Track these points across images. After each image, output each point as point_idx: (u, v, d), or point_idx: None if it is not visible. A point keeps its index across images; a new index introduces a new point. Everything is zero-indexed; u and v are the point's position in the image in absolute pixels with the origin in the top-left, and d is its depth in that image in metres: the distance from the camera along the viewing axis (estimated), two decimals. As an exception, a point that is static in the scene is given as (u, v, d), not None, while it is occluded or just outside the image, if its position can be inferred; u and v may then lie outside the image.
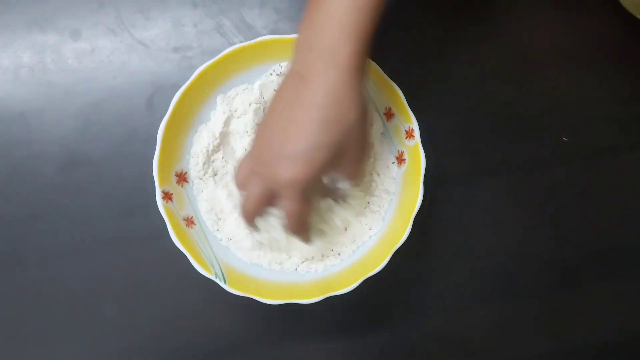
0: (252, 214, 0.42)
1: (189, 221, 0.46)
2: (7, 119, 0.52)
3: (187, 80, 0.46)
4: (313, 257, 0.48)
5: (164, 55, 0.53)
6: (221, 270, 0.45)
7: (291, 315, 0.49)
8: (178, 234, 0.44)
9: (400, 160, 0.49)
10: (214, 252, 0.46)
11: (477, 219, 0.52)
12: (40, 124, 0.52)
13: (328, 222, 0.48)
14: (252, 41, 0.47)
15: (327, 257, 0.48)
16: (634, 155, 0.53)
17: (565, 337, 0.51)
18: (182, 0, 0.54)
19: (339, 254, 0.48)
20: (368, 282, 0.44)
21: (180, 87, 0.46)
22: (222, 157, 0.49)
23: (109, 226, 0.51)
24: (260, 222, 0.44)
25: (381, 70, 0.47)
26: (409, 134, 0.47)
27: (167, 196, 0.45)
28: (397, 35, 0.53)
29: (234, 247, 0.47)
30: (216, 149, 0.48)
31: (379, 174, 0.49)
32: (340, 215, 0.48)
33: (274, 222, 0.44)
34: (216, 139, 0.48)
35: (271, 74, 0.49)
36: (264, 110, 0.49)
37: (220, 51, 0.47)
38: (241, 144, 0.49)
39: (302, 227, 0.42)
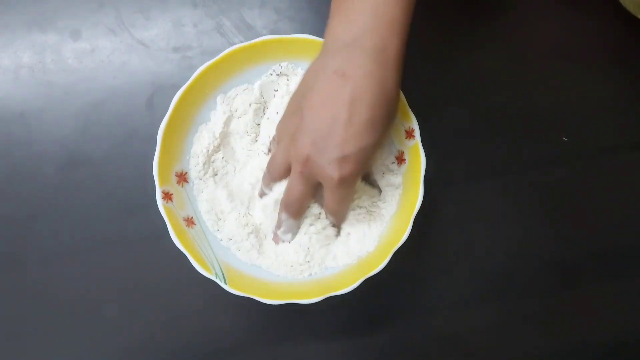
0: (298, 211, 0.44)
1: (189, 221, 0.46)
2: (7, 119, 0.52)
3: (187, 80, 0.46)
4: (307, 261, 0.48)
5: (164, 55, 0.53)
6: (221, 270, 0.45)
7: (291, 315, 0.49)
8: (178, 234, 0.44)
9: (400, 160, 0.49)
10: (214, 252, 0.46)
11: (477, 219, 0.52)
12: (40, 124, 0.52)
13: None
14: (252, 41, 0.47)
15: (324, 260, 0.48)
16: (634, 155, 0.53)
17: (565, 337, 0.51)
18: (182, 0, 0.54)
19: (333, 258, 0.48)
20: (368, 282, 0.44)
21: (180, 87, 0.46)
22: (222, 157, 0.49)
23: (109, 226, 0.51)
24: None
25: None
26: (409, 134, 0.47)
27: (167, 196, 0.45)
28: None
29: (234, 247, 0.47)
30: (216, 149, 0.48)
31: (383, 173, 0.49)
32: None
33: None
34: (216, 139, 0.48)
35: (271, 74, 0.49)
36: (264, 111, 0.49)
37: (220, 51, 0.47)
38: (241, 144, 0.49)
39: (342, 220, 0.45)
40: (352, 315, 0.51)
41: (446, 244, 0.52)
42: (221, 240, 0.47)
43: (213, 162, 0.48)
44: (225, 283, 0.44)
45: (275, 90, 0.49)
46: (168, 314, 0.50)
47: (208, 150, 0.48)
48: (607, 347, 0.51)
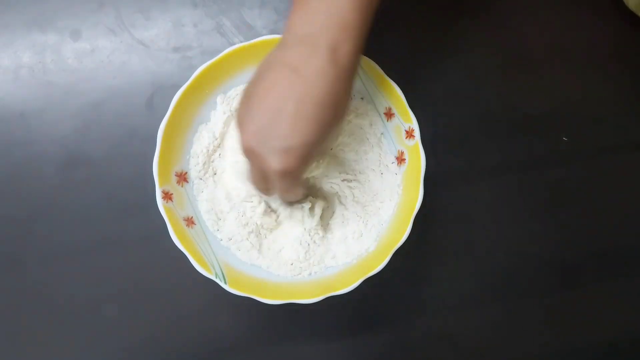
0: (264, 194, 0.45)
1: (189, 221, 0.46)
2: (7, 119, 0.52)
3: (187, 80, 0.46)
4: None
5: (164, 55, 0.53)
6: (221, 270, 0.45)
7: (291, 315, 0.49)
8: (178, 234, 0.44)
9: (400, 160, 0.49)
10: (214, 252, 0.46)
11: (477, 219, 0.52)
12: (40, 124, 0.52)
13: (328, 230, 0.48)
14: (252, 41, 0.47)
15: (324, 259, 0.48)
16: (635, 155, 0.53)
17: (565, 337, 0.51)
18: (182, 0, 0.54)
19: (333, 257, 0.48)
20: (368, 282, 0.44)
21: (180, 87, 0.46)
22: (222, 157, 0.49)
23: (109, 226, 0.51)
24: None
25: (381, 70, 0.47)
26: (409, 134, 0.47)
27: (167, 196, 0.45)
28: (398, 35, 0.53)
29: (234, 247, 0.47)
30: (216, 149, 0.48)
31: (382, 173, 0.49)
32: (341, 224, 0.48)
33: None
34: (216, 139, 0.48)
35: None
36: None
37: (220, 51, 0.47)
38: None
39: (294, 197, 0.44)
40: (352, 315, 0.51)
41: (446, 244, 0.52)
42: (221, 240, 0.47)
43: (213, 162, 0.48)
44: (225, 283, 0.44)
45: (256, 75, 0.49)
46: (168, 314, 0.50)
47: (208, 150, 0.48)
48: (607, 347, 0.51)
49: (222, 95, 0.48)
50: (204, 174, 0.48)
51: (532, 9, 0.54)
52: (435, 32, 0.54)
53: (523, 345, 0.51)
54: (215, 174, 0.49)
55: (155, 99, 0.52)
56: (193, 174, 0.48)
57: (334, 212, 0.49)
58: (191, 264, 0.44)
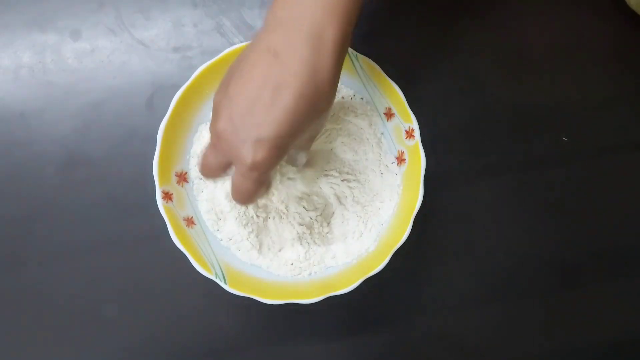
0: (209, 178, 0.42)
1: (189, 221, 0.46)
2: (7, 119, 0.52)
3: (187, 80, 0.46)
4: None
5: (164, 55, 0.53)
6: (221, 270, 0.45)
7: (291, 315, 0.49)
8: (178, 234, 0.44)
9: (400, 160, 0.49)
10: (214, 252, 0.46)
11: (477, 219, 0.52)
12: (40, 124, 0.52)
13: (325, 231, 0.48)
14: (252, 41, 0.47)
15: (323, 259, 0.48)
16: (635, 155, 0.53)
17: (565, 337, 0.51)
18: (182, 0, 0.54)
19: (333, 257, 0.48)
20: (368, 282, 0.44)
21: (180, 87, 0.46)
22: None
23: (109, 226, 0.51)
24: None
25: (381, 70, 0.47)
26: (409, 134, 0.47)
27: (167, 196, 0.45)
28: (398, 35, 0.53)
29: (234, 247, 0.47)
30: None
31: (382, 173, 0.49)
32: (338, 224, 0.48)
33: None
34: None
35: None
36: None
37: (220, 51, 0.47)
38: None
39: (246, 201, 0.40)
40: (352, 315, 0.51)
41: (446, 244, 0.52)
42: (221, 240, 0.47)
43: None
44: (225, 283, 0.44)
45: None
46: (168, 314, 0.50)
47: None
48: (607, 347, 0.51)
49: None
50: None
51: (532, 9, 0.54)
52: (436, 32, 0.54)
53: (523, 345, 0.51)
54: None
55: (155, 99, 0.52)
56: (193, 173, 0.48)
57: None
58: (191, 264, 0.44)
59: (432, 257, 0.52)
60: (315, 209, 0.48)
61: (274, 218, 0.48)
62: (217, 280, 0.44)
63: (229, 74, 0.38)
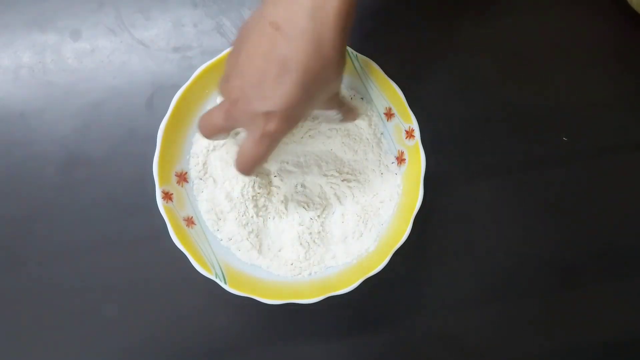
0: (208, 137, 0.42)
1: (189, 221, 0.46)
2: (7, 119, 0.52)
3: (187, 80, 0.46)
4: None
5: (164, 55, 0.53)
6: (221, 270, 0.45)
7: (291, 315, 0.49)
8: (178, 234, 0.44)
9: (400, 160, 0.49)
10: (214, 252, 0.46)
11: (477, 219, 0.52)
12: (40, 124, 0.52)
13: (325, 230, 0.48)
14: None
15: (324, 259, 0.48)
16: (635, 155, 0.53)
17: (565, 337, 0.51)
18: (182, 0, 0.54)
19: (333, 257, 0.48)
20: (368, 282, 0.44)
21: (180, 87, 0.46)
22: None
23: (109, 226, 0.51)
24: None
25: (381, 70, 0.47)
26: (409, 134, 0.47)
27: (167, 196, 0.45)
28: (398, 35, 0.53)
29: (234, 247, 0.47)
30: (216, 148, 0.48)
31: (382, 173, 0.49)
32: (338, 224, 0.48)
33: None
34: None
35: None
36: None
37: (220, 51, 0.47)
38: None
39: (249, 168, 0.41)
40: (352, 315, 0.51)
41: (446, 244, 0.52)
42: (221, 240, 0.47)
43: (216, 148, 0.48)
44: (225, 283, 0.44)
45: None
46: (168, 314, 0.50)
47: (208, 150, 0.48)
48: (607, 347, 0.51)
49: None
50: (204, 174, 0.48)
51: (533, 9, 0.54)
52: (436, 33, 0.54)
53: (523, 345, 0.51)
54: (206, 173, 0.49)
55: (155, 99, 0.52)
56: (193, 174, 0.48)
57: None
58: (191, 264, 0.44)
59: (432, 257, 0.52)
60: (315, 209, 0.48)
61: (273, 218, 0.48)
62: (217, 280, 0.44)
63: (237, 47, 0.39)
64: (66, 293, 0.50)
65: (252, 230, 0.47)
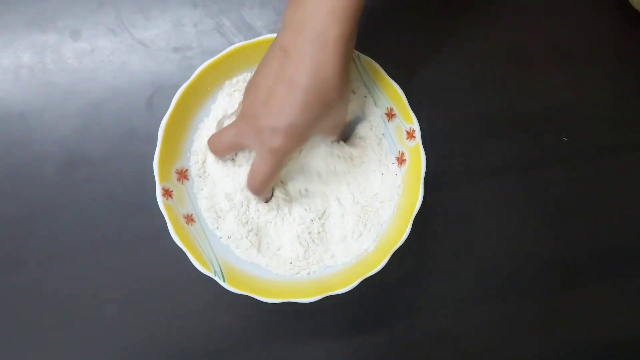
0: (218, 155, 0.47)
1: (189, 219, 0.46)
2: (7, 119, 0.52)
3: (187, 80, 0.46)
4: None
5: (164, 55, 0.53)
6: (220, 268, 0.45)
7: (291, 315, 0.49)
8: (177, 231, 0.44)
9: (401, 160, 0.49)
10: (214, 250, 0.46)
11: (477, 219, 0.52)
12: (40, 124, 0.52)
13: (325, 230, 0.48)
14: (252, 40, 0.47)
15: (322, 259, 0.48)
16: (635, 155, 0.53)
17: (565, 337, 0.51)
18: (182, 0, 0.54)
19: (332, 257, 0.48)
20: (367, 282, 0.44)
21: (180, 87, 0.46)
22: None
23: (109, 226, 0.51)
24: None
25: (383, 70, 0.47)
26: (410, 135, 0.47)
27: (167, 193, 0.45)
28: (399, 36, 0.53)
29: (234, 245, 0.47)
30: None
31: (382, 174, 0.49)
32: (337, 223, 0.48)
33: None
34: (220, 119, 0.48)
35: None
36: None
37: (220, 51, 0.47)
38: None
39: (261, 188, 0.44)
40: (352, 315, 0.51)
41: (446, 244, 0.52)
42: (220, 238, 0.47)
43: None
44: (224, 281, 0.44)
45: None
46: (168, 314, 0.50)
47: (208, 149, 0.48)
48: (607, 347, 0.51)
49: (226, 88, 0.48)
50: (204, 172, 0.48)
51: (533, 9, 0.54)
52: (437, 33, 0.54)
53: (523, 345, 0.51)
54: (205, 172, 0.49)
55: (155, 99, 0.52)
56: (193, 171, 0.48)
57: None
58: (191, 263, 0.44)
59: (432, 257, 0.52)
60: (317, 211, 0.48)
61: (274, 218, 0.48)
62: (216, 278, 0.44)
63: (258, 66, 0.43)
64: (66, 293, 0.50)
65: (252, 228, 0.47)
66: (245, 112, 0.43)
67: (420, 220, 0.45)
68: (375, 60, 0.47)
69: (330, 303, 0.44)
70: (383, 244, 0.47)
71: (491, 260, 0.52)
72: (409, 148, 0.48)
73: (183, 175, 0.47)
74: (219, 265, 0.45)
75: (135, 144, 0.51)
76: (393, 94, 0.47)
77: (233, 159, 0.48)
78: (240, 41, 0.49)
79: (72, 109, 0.52)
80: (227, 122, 0.48)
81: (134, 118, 0.52)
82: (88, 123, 0.52)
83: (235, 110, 0.48)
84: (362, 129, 0.49)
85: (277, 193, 0.47)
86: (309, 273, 0.47)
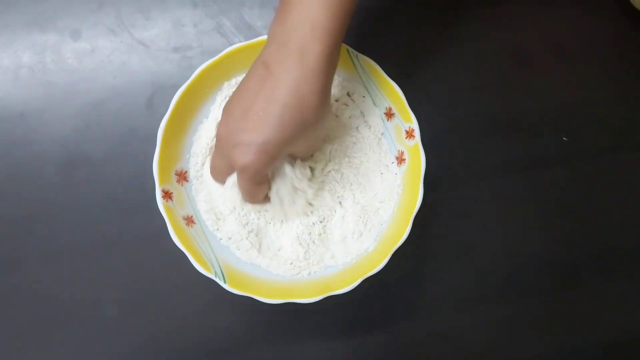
0: (218, 181, 0.46)
1: (189, 220, 0.46)
2: (7, 119, 0.52)
3: (187, 80, 0.46)
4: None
5: (164, 55, 0.53)
6: (221, 270, 0.45)
7: (291, 315, 0.49)
8: (178, 233, 0.44)
9: (400, 160, 0.49)
10: (214, 251, 0.46)
11: (477, 219, 0.52)
12: (40, 124, 0.52)
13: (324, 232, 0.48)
14: (252, 40, 0.47)
15: (323, 259, 0.48)
16: (635, 156, 0.53)
17: (565, 337, 0.51)
18: (182, 0, 0.54)
19: (332, 257, 0.48)
20: (368, 282, 0.44)
21: (180, 87, 0.46)
22: None
23: (109, 226, 0.51)
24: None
25: (381, 70, 0.47)
26: (409, 134, 0.47)
27: (167, 195, 0.45)
28: (398, 35, 0.53)
29: (234, 246, 0.47)
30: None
31: (382, 173, 0.49)
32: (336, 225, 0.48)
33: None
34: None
35: None
36: None
37: (220, 51, 0.47)
38: None
39: (254, 200, 0.45)
40: (352, 315, 0.51)
41: (446, 244, 0.52)
42: (221, 239, 0.47)
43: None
44: (225, 282, 0.44)
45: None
46: (168, 314, 0.50)
47: (208, 145, 0.48)
48: (607, 347, 0.51)
49: (227, 83, 0.48)
50: (202, 175, 0.48)
51: (533, 9, 0.54)
52: (437, 32, 0.54)
53: (523, 345, 0.51)
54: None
55: (155, 99, 0.52)
56: (192, 173, 0.48)
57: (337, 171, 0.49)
58: (191, 264, 0.44)
59: (432, 257, 0.52)
60: (319, 215, 0.48)
61: (274, 218, 0.48)
62: (217, 280, 0.44)
63: (237, 87, 0.42)
64: (66, 293, 0.50)
65: (252, 229, 0.47)
66: (221, 132, 0.41)
67: (420, 220, 0.45)
68: (374, 60, 0.47)
69: (330, 303, 0.44)
70: (383, 244, 0.47)
71: (491, 260, 0.52)
72: (408, 147, 0.48)
73: (182, 177, 0.47)
74: (220, 267, 0.45)
75: (135, 144, 0.51)
76: (392, 93, 0.47)
77: None
78: (240, 41, 0.49)
79: (72, 109, 0.52)
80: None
81: (134, 118, 0.52)
82: (88, 123, 0.52)
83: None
84: (361, 129, 0.49)
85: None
86: (309, 273, 0.47)
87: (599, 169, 0.53)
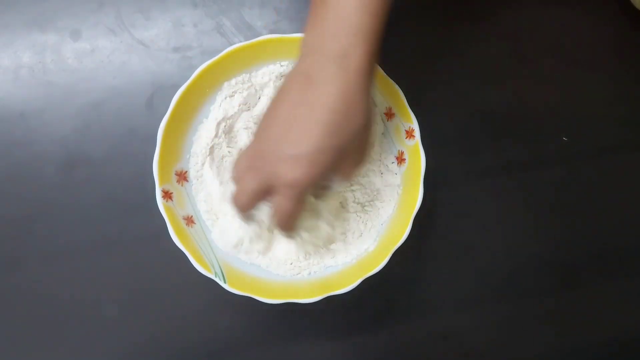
0: (246, 208, 0.41)
1: (189, 220, 0.46)
2: (7, 119, 0.52)
3: (187, 80, 0.46)
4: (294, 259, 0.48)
5: (164, 55, 0.53)
6: (221, 270, 0.45)
7: (291, 315, 0.49)
8: (178, 233, 0.44)
9: (400, 160, 0.49)
10: (214, 252, 0.46)
11: (477, 219, 0.52)
12: (40, 124, 0.52)
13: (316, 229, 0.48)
14: (252, 40, 0.47)
15: (323, 259, 0.48)
16: (635, 156, 0.53)
17: (566, 337, 0.51)
18: (182, 0, 0.54)
19: (333, 257, 0.48)
20: (368, 282, 0.44)
21: (180, 87, 0.46)
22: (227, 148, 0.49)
23: (109, 226, 0.51)
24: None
25: (381, 70, 0.47)
26: (409, 134, 0.47)
27: (167, 195, 0.45)
28: (398, 35, 0.53)
29: (234, 246, 0.47)
30: (217, 146, 0.48)
31: (382, 173, 0.49)
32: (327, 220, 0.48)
33: (260, 215, 0.44)
34: (221, 122, 0.48)
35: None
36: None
37: (220, 51, 0.47)
38: (246, 135, 0.49)
39: (290, 225, 0.41)
40: (352, 315, 0.51)
41: (446, 244, 0.52)
42: (221, 239, 0.47)
43: (215, 148, 0.48)
44: (225, 282, 0.44)
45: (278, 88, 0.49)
46: (168, 314, 0.50)
47: (208, 145, 0.48)
48: (607, 347, 0.51)
49: (227, 83, 0.48)
50: (201, 176, 0.48)
51: (533, 9, 0.54)
52: (436, 33, 0.54)
53: (523, 345, 0.51)
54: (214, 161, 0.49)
55: (155, 99, 0.52)
56: (192, 173, 0.48)
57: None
58: (191, 264, 0.44)
59: (432, 257, 0.52)
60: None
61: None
62: (217, 280, 0.44)
63: (268, 107, 0.40)
64: (66, 293, 0.50)
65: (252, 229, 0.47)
66: (262, 148, 0.39)
67: (420, 220, 0.45)
68: (375, 60, 0.47)
69: (330, 303, 0.44)
70: (383, 244, 0.47)
71: (491, 260, 0.52)
72: (408, 147, 0.48)
73: (182, 177, 0.47)
74: (220, 267, 0.45)
75: (135, 144, 0.51)
76: (391, 93, 0.47)
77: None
78: (240, 41, 0.49)
79: (72, 109, 0.52)
80: (222, 126, 0.48)
81: (134, 118, 0.52)
82: (88, 123, 0.52)
83: (233, 114, 0.47)
84: None
85: None
86: (309, 273, 0.47)
87: (599, 169, 0.53)
